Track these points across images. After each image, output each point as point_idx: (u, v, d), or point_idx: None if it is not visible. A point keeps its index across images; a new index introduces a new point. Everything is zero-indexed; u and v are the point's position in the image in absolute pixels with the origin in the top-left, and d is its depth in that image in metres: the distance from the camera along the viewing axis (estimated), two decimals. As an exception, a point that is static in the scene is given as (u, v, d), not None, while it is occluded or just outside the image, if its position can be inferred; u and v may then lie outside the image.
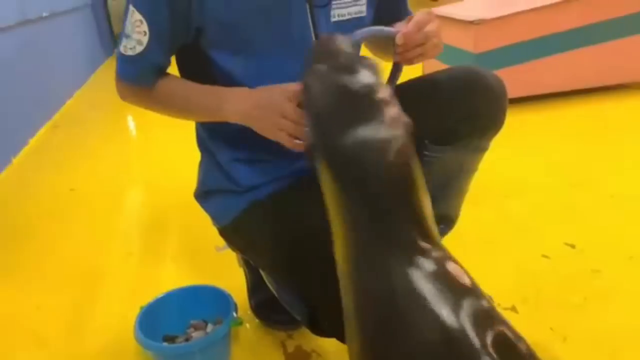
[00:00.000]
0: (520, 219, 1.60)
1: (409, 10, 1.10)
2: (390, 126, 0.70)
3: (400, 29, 0.89)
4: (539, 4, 2.42)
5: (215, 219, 1.08)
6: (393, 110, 0.72)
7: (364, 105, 0.71)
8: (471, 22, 2.45)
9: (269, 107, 0.85)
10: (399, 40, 0.88)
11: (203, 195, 1.08)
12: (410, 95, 1.11)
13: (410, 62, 0.93)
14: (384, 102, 0.72)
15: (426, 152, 1.07)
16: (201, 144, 1.08)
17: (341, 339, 0.95)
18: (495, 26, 2.44)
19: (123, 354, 1.15)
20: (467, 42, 2.53)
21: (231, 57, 0.93)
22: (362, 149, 0.68)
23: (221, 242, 1.12)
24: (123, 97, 1.00)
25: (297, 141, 0.83)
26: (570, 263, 1.34)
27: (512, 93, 1.04)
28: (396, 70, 0.96)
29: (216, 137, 1.03)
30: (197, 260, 1.45)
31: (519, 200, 1.71)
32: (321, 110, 0.73)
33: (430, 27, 0.90)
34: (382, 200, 0.69)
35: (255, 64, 0.93)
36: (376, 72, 0.76)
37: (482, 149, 1.09)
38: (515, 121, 1.03)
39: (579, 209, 1.63)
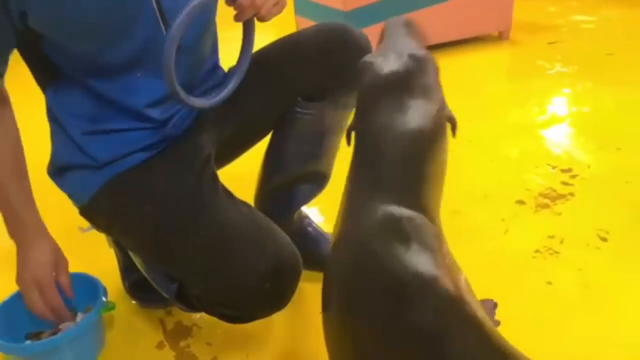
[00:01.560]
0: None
1: None
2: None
3: None
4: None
5: (73, 197, 1.01)
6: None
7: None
8: (338, -20, 2.46)
9: (33, 281, 0.94)
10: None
11: (57, 172, 1.00)
12: (279, 52, 1.11)
13: (262, 19, 0.90)
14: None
15: (298, 109, 1.08)
16: (50, 115, 0.98)
17: (210, 312, 0.95)
18: (361, -17, 2.48)
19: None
20: (335, 1, 2.55)
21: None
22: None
23: (84, 222, 1.04)
24: None
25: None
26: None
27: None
28: (246, 30, 0.93)
29: (66, 107, 0.95)
30: (60, 245, 1.35)
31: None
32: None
33: None
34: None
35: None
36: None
37: (352, 106, 1.11)
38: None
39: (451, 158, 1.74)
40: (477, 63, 2.59)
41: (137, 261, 1.02)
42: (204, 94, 0.97)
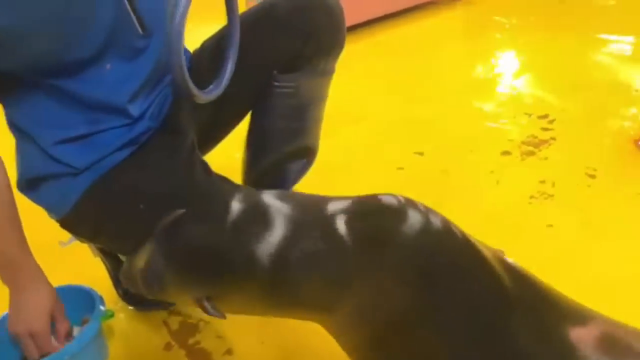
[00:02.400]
0: (371, 139, 1.65)
1: None
2: None
3: None
4: None
5: (51, 210, 0.92)
6: None
7: None
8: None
9: (25, 327, 0.86)
10: None
11: (29, 185, 0.91)
12: (249, 24, 1.05)
13: None
14: None
15: (276, 83, 1.04)
16: (13, 127, 0.89)
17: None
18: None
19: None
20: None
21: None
22: None
23: (64, 235, 0.97)
24: None
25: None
26: (422, 169, 1.43)
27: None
28: (230, 6, 0.89)
29: (31, 117, 0.86)
30: (41, 262, 1.27)
31: (367, 122, 1.76)
32: None
33: None
34: None
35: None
36: None
37: (329, 72, 1.08)
38: (346, 51, 1.06)
39: (421, 120, 1.73)
40: (435, 26, 2.58)
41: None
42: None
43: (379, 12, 2.68)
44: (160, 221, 0.75)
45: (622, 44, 2.01)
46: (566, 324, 0.62)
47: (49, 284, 0.88)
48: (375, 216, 0.67)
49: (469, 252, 0.66)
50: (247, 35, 1.05)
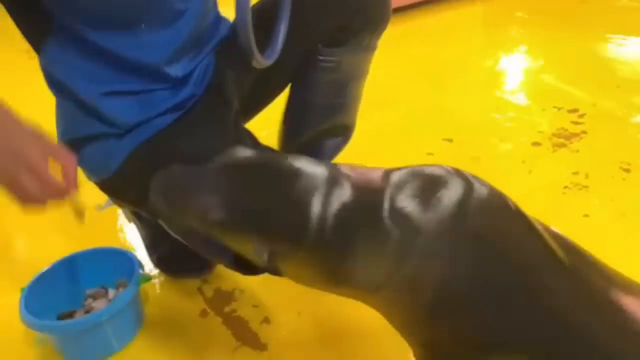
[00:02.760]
0: (401, 124, 1.64)
1: None
2: None
3: None
4: None
5: (92, 172, 0.90)
6: None
7: None
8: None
9: (14, 155, 0.62)
10: None
11: (69, 146, 0.90)
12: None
13: None
14: None
15: (320, 57, 1.02)
16: (51, 80, 0.86)
17: (273, 272, 0.89)
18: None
19: (10, 350, 0.96)
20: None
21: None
22: None
23: (101, 198, 0.96)
24: None
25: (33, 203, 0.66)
26: (452, 155, 1.42)
27: None
28: None
29: (73, 68, 0.83)
30: (74, 226, 1.25)
31: (395, 107, 1.75)
32: None
33: None
34: None
35: None
36: None
37: (373, 48, 1.07)
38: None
39: (448, 108, 1.73)
40: (456, 19, 2.57)
41: (173, 231, 0.95)
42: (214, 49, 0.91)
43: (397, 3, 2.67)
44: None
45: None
46: (617, 290, 0.63)
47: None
48: (427, 185, 0.67)
49: (520, 219, 0.66)
50: (295, 4, 1.04)
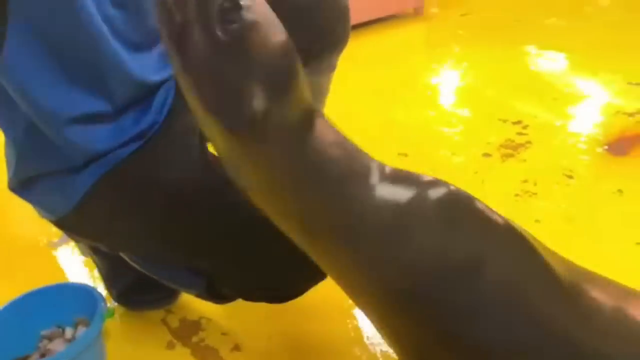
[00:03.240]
0: (358, 141, 1.66)
1: None
2: None
3: None
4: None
5: (49, 209, 0.86)
6: None
7: None
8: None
9: None
10: None
11: (23, 184, 0.85)
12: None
13: None
14: None
15: None
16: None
17: (246, 297, 0.87)
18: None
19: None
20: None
21: None
22: None
23: (54, 234, 0.92)
24: None
25: None
26: (410, 169, 1.45)
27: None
28: None
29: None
30: (31, 263, 1.19)
31: (347, 123, 1.77)
32: None
33: None
34: None
35: None
36: None
37: (333, 68, 1.09)
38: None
39: (399, 123, 1.77)
40: (401, 37, 2.66)
41: (135, 262, 0.92)
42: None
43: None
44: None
45: (569, 58, 2.15)
46: (586, 284, 0.66)
47: None
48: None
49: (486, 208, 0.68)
50: None
